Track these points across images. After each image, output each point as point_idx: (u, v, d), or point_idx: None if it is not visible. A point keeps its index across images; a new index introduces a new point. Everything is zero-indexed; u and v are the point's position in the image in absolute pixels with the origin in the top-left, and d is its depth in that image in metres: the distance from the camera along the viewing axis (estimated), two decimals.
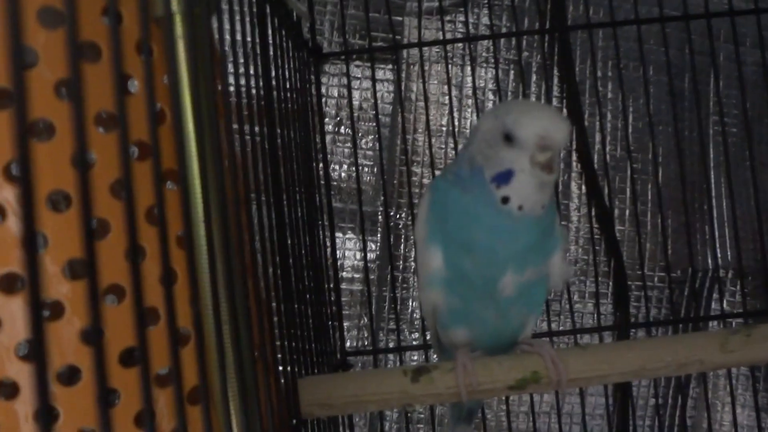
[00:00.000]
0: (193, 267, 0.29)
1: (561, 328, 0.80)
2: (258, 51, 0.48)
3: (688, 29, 0.75)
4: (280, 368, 0.46)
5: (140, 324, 0.26)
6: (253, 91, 0.47)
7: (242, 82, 0.44)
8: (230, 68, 0.42)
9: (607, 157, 0.79)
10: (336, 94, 0.78)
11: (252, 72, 0.46)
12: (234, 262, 0.34)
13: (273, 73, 0.54)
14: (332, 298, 0.69)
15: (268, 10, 0.54)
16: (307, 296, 0.60)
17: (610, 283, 0.81)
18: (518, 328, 0.51)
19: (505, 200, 0.44)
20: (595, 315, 0.78)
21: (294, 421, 0.47)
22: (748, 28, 0.87)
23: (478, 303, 0.48)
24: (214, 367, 0.33)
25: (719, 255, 0.83)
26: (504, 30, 0.80)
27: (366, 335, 0.78)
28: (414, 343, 0.79)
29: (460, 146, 0.78)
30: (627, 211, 0.82)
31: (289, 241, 0.55)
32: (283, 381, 0.46)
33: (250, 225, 0.42)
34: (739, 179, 0.83)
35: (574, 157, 0.82)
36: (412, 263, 0.77)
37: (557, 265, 0.49)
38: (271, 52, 0.55)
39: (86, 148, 0.23)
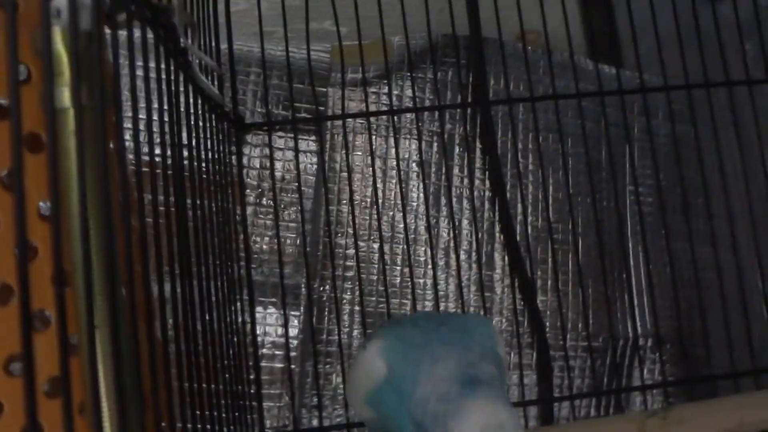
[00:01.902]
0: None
1: None
2: (168, 120, 0.47)
3: (603, 104, 0.78)
4: None
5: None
6: (164, 162, 0.45)
7: (156, 151, 0.43)
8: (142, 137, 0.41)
9: (529, 228, 0.80)
10: (258, 165, 0.77)
11: (163, 140, 0.45)
12: (125, 355, 0.32)
13: (186, 143, 0.53)
14: (251, 377, 0.66)
15: (182, 79, 0.53)
16: (225, 375, 0.58)
17: (534, 354, 0.81)
18: None
19: None
20: (520, 387, 0.78)
21: None
22: (660, 102, 0.91)
23: None
24: None
25: (638, 324, 0.85)
26: (427, 103, 0.82)
27: (287, 414, 0.75)
28: (338, 420, 0.76)
29: (384, 218, 0.78)
30: (549, 282, 0.83)
31: (199, 317, 0.53)
32: None
33: (148, 297, 0.40)
34: (655, 248, 0.85)
35: (497, 228, 0.83)
36: (336, 337, 0.75)
37: None
38: (184, 122, 0.53)
39: None
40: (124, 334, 0.32)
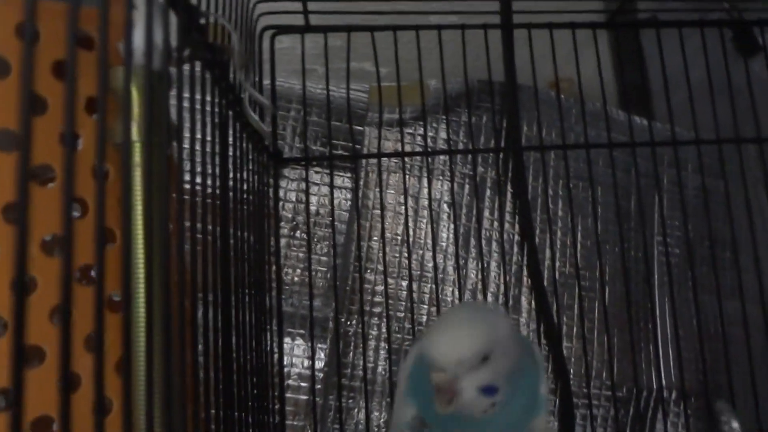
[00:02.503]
0: (128, 390, 0.28)
1: None
2: (217, 153, 0.49)
3: (634, 154, 0.79)
4: None
5: None
6: (209, 191, 0.47)
7: (198, 180, 0.44)
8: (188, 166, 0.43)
9: (556, 273, 0.81)
10: (294, 199, 0.79)
11: (210, 172, 0.47)
12: (174, 377, 0.33)
13: (231, 175, 0.55)
14: (276, 407, 0.67)
15: (231, 115, 0.55)
16: (250, 403, 0.59)
17: (557, 401, 0.81)
18: None
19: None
20: None
21: None
22: (690, 155, 0.92)
23: None
24: None
25: (663, 375, 0.84)
26: (461, 146, 0.83)
27: None
28: None
29: (413, 256, 0.79)
30: (574, 329, 0.83)
31: (234, 345, 0.54)
32: None
33: (194, 327, 0.41)
34: (681, 300, 0.85)
35: (525, 272, 0.83)
36: (360, 372, 0.75)
37: (539, 428, 0.49)
38: (231, 154, 0.55)
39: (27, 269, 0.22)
40: (175, 352, 0.34)
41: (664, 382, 0.84)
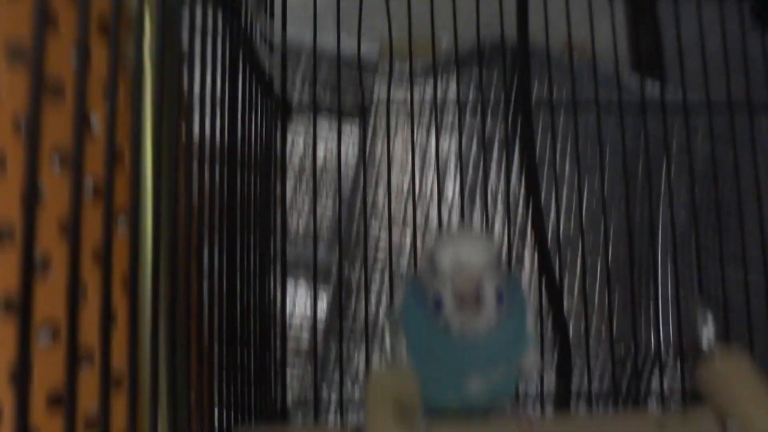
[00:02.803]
0: (134, 305, 0.29)
1: None
2: (227, 96, 0.49)
3: (644, 116, 0.78)
4: (216, 413, 0.46)
5: (72, 362, 0.25)
6: (218, 136, 0.48)
7: (208, 125, 0.45)
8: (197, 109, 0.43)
9: (561, 231, 0.81)
10: (301, 147, 0.79)
11: (218, 117, 0.47)
12: (179, 302, 0.34)
13: (239, 120, 0.55)
14: (278, 347, 0.68)
15: (240, 57, 0.56)
16: (252, 342, 0.60)
17: (555, 355, 0.82)
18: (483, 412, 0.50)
19: (446, 326, 0.44)
20: (538, 384, 0.79)
21: None
22: (701, 122, 0.91)
23: (441, 395, 0.48)
24: (145, 411, 0.32)
25: (662, 335, 0.85)
26: (470, 99, 0.83)
27: (309, 387, 0.77)
28: (357, 398, 0.78)
29: (418, 209, 0.79)
30: (576, 286, 0.84)
31: (238, 286, 0.55)
32: (217, 427, 0.45)
33: (200, 266, 0.42)
34: (684, 263, 0.86)
35: (529, 229, 0.84)
36: (361, 320, 0.77)
37: (529, 362, 0.49)
38: (240, 99, 0.56)
39: (37, 181, 0.23)
40: (181, 294, 0.35)
41: (662, 341, 0.85)
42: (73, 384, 0.25)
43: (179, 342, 0.35)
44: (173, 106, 0.32)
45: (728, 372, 0.39)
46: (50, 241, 0.30)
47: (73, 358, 0.25)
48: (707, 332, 0.40)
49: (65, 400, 0.25)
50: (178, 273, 0.35)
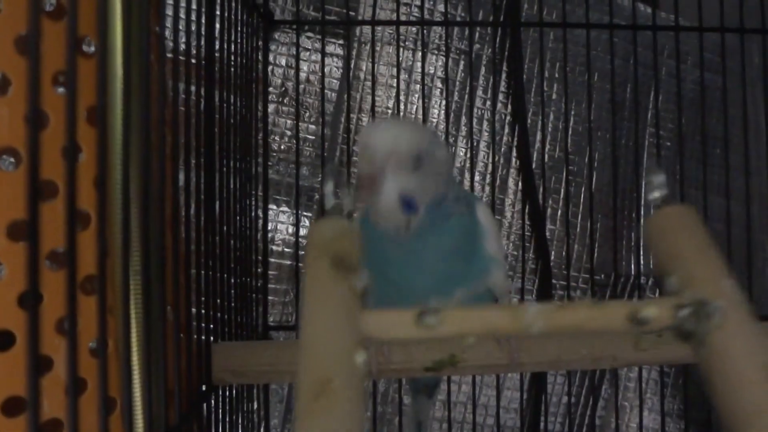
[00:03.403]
0: (104, 210, 0.28)
1: None
2: (203, 6, 0.47)
3: (635, 39, 0.77)
4: (195, 333, 0.45)
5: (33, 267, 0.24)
6: (194, 46, 0.45)
7: (183, 36, 0.42)
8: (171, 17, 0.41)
9: (546, 157, 0.80)
10: (284, 64, 0.77)
11: (194, 26, 0.44)
12: (151, 211, 0.33)
13: (218, 33, 0.52)
14: (259, 270, 0.67)
15: None
16: (232, 264, 0.59)
17: (536, 280, 0.83)
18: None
19: (375, 222, 0.42)
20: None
21: (204, 387, 0.46)
22: (691, 48, 0.89)
23: (383, 292, 0.47)
24: (119, 321, 0.32)
25: (642, 262, 0.86)
26: (458, 19, 0.80)
27: (290, 310, 0.77)
28: None
29: None
30: (559, 212, 0.84)
31: (218, 207, 0.54)
32: (195, 344, 0.45)
33: (175, 181, 0.41)
34: (669, 191, 0.85)
35: (514, 153, 0.83)
36: None
37: (498, 285, 0.47)
38: (218, 10, 0.53)
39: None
40: (155, 214, 0.33)
41: (642, 269, 0.86)
42: (36, 287, 0.24)
43: (153, 257, 0.34)
44: (143, 5, 0.30)
45: (671, 227, 0.37)
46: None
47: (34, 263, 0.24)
48: (659, 190, 0.38)
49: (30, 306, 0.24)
50: (151, 182, 0.33)
